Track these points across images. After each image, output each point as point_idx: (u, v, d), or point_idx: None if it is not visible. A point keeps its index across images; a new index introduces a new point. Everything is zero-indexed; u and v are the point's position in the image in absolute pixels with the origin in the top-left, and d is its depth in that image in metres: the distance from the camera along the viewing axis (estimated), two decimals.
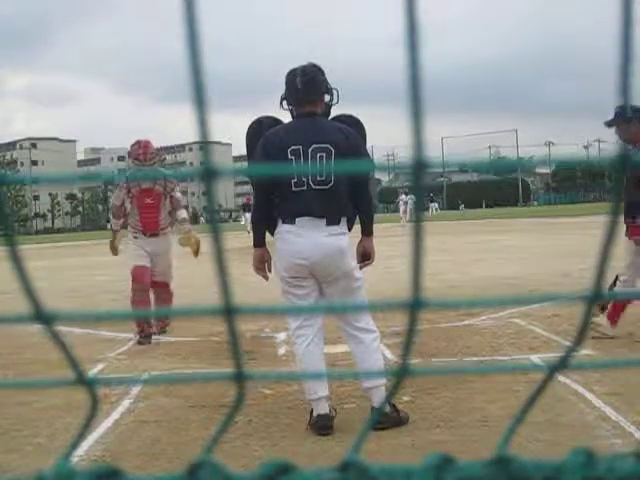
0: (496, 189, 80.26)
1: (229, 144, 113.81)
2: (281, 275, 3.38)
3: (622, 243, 4.73)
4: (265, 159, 3.34)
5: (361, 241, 3.51)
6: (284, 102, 3.45)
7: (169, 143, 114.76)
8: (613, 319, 4.96)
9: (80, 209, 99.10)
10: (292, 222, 3.31)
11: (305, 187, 3.25)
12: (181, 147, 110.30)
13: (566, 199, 72.95)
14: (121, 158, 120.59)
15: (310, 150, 3.28)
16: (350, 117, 3.60)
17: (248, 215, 32.49)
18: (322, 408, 3.29)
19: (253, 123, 3.63)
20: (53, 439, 3.27)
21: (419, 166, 0.36)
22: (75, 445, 0.46)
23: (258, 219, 3.49)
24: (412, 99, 0.35)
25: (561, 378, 3.73)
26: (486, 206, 69.78)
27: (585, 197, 73.00)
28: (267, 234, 3.53)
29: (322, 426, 3.26)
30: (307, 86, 3.36)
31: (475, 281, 8.56)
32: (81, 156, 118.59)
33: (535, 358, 4.52)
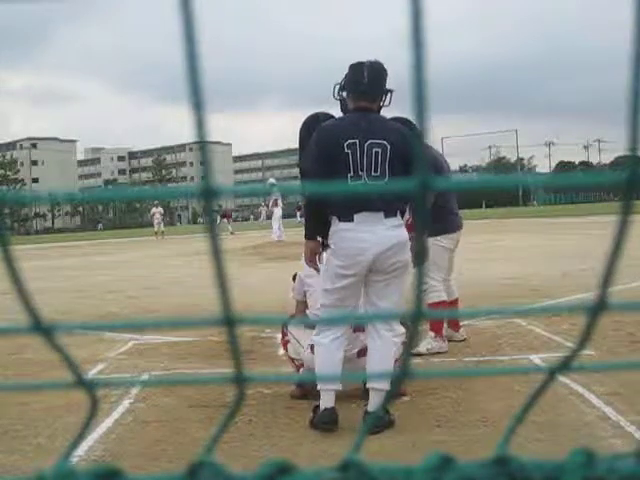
0: (496, 189, 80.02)
1: (229, 144, 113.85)
2: (339, 273, 3.31)
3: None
4: (320, 151, 3.32)
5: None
6: (342, 91, 3.45)
7: (169, 143, 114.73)
8: (439, 332, 4.91)
9: (80, 209, 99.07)
10: (350, 219, 3.26)
11: (361, 181, 3.24)
12: (181, 147, 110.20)
13: (566, 199, 72.97)
14: (121, 158, 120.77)
15: (366, 145, 3.27)
16: (407, 121, 3.56)
17: (224, 221, 32.92)
18: (329, 401, 3.29)
19: (309, 117, 3.65)
20: (53, 439, 3.27)
21: (423, 187, 0.36)
22: (75, 445, 0.45)
23: (312, 213, 3.46)
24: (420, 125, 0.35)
25: (561, 378, 3.73)
26: (486, 206, 69.77)
27: (585, 197, 72.98)
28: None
29: (328, 420, 3.25)
30: (373, 81, 3.35)
31: (474, 281, 8.55)
32: (81, 156, 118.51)
33: (535, 358, 4.52)
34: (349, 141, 3.27)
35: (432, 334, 4.85)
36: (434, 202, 4.75)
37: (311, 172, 3.41)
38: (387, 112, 3.55)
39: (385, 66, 3.41)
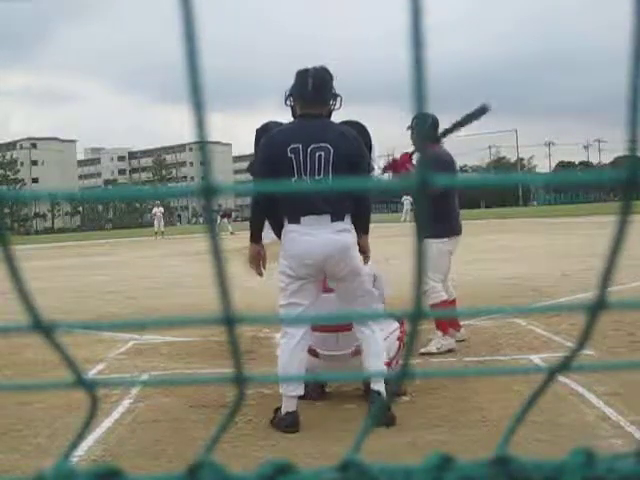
0: (496, 189, 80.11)
1: (229, 144, 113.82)
2: (287, 273, 3.39)
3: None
4: (266, 157, 3.42)
5: (358, 239, 3.57)
6: (289, 98, 3.51)
7: (169, 143, 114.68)
8: (446, 329, 4.90)
9: (80, 209, 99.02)
10: (297, 222, 3.35)
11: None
12: (181, 147, 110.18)
13: (566, 199, 72.96)
14: (121, 158, 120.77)
15: (309, 149, 3.34)
16: (357, 123, 3.68)
17: (226, 220, 32.95)
18: (291, 405, 3.34)
19: (261, 126, 3.73)
20: (53, 439, 3.27)
21: (423, 185, 0.36)
22: (75, 445, 0.45)
23: (257, 216, 3.54)
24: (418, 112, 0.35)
25: (561, 378, 3.73)
26: (486, 206, 69.78)
27: (585, 198, 72.98)
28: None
29: (289, 424, 3.31)
30: (317, 89, 3.43)
31: (474, 281, 8.56)
32: (81, 156, 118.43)
33: (535, 358, 4.52)
34: (292, 146, 3.35)
35: (440, 333, 4.85)
36: (437, 200, 4.69)
37: (258, 176, 3.55)
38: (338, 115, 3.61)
39: (330, 71, 3.49)
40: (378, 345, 3.50)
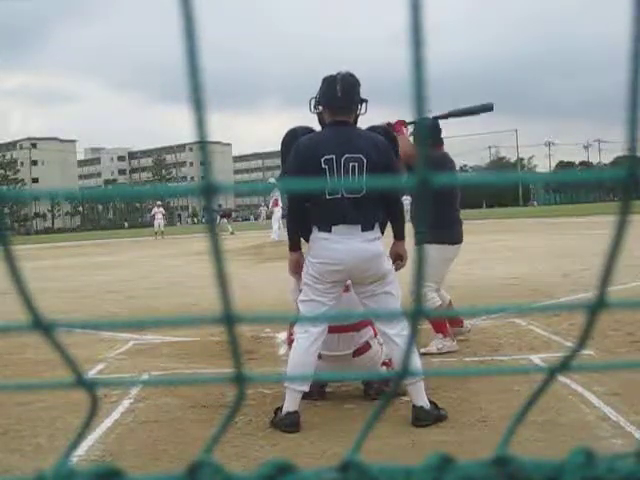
0: (496, 189, 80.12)
1: (229, 144, 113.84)
2: (314, 279, 3.41)
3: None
4: (298, 167, 3.40)
5: (394, 245, 3.62)
6: (318, 105, 3.51)
7: (169, 143, 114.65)
8: (445, 332, 4.87)
9: (80, 209, 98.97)
10: (328, 230, 3.37)
11: (339, 195, 3.31)
12: (181, 147, 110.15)
13: (566, 199, 72.94)
14: (121, 158, 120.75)
15: (343, 160, 3.34)
16: (383, 128, 3.69)
17: (224, 220, 32.91)
18: (293, 405, 3.34)
19: (288, 132, 3.72)
20: (53, 439, 3.27)
21: (424, 183, 0.36)
22: (75, 445, 0.46)
23: (293, 225, 3.56)
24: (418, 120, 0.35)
25: (561, 378, 3.72)
26: (486, 206, 69.75)
27: (585, 198, 72.92)
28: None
29: (289, 424, 3.30)
30: (346, 95, 3.42)
31: (474, 281, 8.55)
32: (81, 156, 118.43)
33: (535, 358, 4.52)
34: (326, 157, 3.34)
35: (440, 335, 4.83)
36: (439, 206, 4.66)
37: None
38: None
39: (357, 76, 3.47)
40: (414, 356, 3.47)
